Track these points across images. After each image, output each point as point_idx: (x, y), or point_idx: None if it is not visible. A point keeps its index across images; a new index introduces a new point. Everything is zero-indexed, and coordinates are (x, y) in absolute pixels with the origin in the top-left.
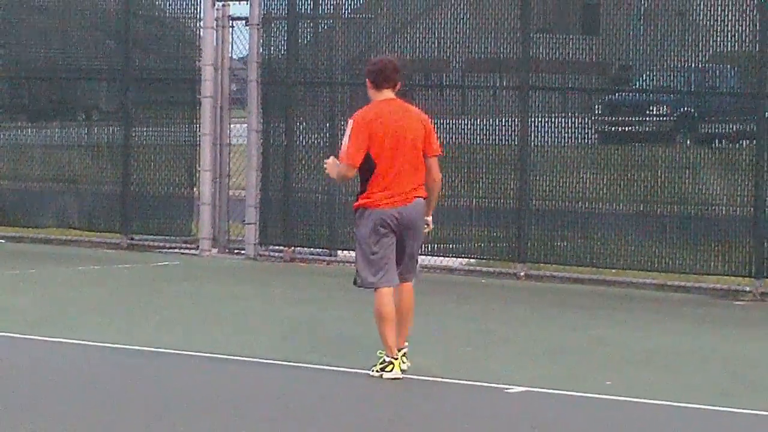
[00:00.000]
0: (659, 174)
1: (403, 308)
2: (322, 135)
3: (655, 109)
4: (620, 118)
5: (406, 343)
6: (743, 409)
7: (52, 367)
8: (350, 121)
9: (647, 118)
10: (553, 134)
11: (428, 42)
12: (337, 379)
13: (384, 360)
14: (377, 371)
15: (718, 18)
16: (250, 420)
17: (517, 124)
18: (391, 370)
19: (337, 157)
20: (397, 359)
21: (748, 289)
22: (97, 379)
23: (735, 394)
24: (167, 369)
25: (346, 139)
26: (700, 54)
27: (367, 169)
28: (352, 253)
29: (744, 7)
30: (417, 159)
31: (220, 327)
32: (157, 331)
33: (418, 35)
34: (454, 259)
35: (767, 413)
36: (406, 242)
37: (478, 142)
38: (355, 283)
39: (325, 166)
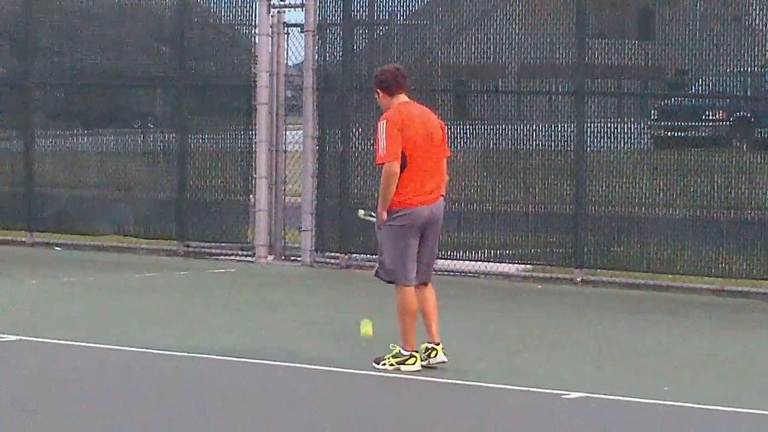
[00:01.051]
0: (715, 179)
1: (431, 306)
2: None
3: (711, 114)
4: (676, 123)
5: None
6: None
7: (111, 373)
8: (382, 122)
9: (703, 123)
10: (608, 139)
11: (483, 47)
12: (393, 385)
13: (402, 353)
14: (393, 364)
15: None
16: (308, 425)
17: (573, 130)
18: (413, 363)
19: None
20: (418, 352)
21: None
22: (155, 386)
23: None
24: (226, 375)
25: (382, 139)
26: (756, 59)
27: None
28: None
29: None
30: (441, 158)
31: (277, 334)
32: (214, 338)
33: (473, 41)
34: (511, 265)
35: None
36: (429, 239)
37: (534, 147)
38: (378, 275)
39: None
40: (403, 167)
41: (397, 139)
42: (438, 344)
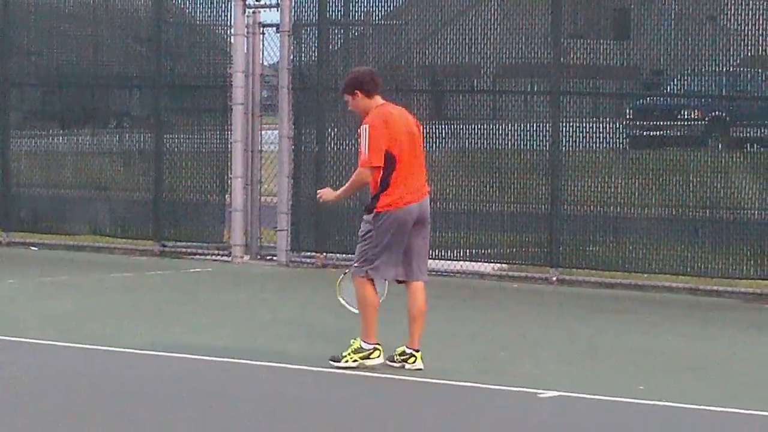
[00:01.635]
0: (691, 178)
1: (418, 309)
2: (353, 141)
3: (686, 113)
4: (652, 123)
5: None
6: None
7: (85, 373)
8: (365, 127)
9: (679, 123)
10: (584, 139)
11: (459, 47)
12: (370, 385)
13: (363, 347)
14: (356, 360)
15: (750, 22)
16: (284, 426)
17: (549, 129)
18: (378, 357)
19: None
20: (380, 345)
21: None
22: (131, 385)
23: None
24: (200, 375)
25: (365, 143)
26: (731, 58)
27: (386, 168)
28: None
29: None
30: (422, 156)
31: (252, 333)
32: (190, 338)
33: (449, 41)
34: (486, 264)
35: None
36: (420, 235)
37: (510, 147)
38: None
39: (319, 197)
40: (392, 169)
41: (380, 145)
42: (417, 351)
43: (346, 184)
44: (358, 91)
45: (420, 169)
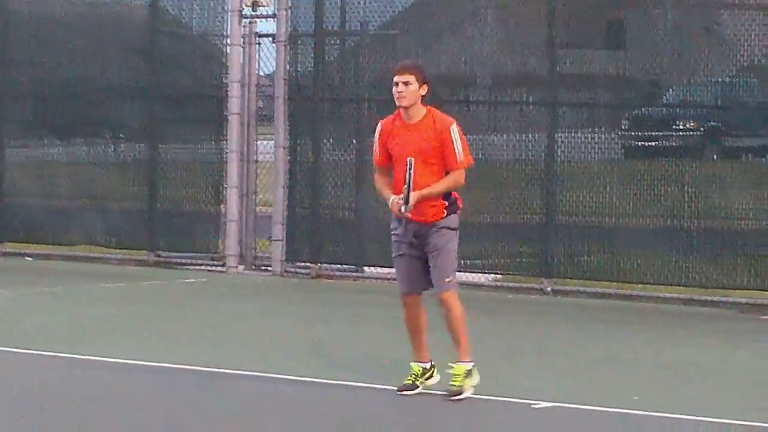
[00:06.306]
0: (686, 188)
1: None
2: (348, 151)
3: (682, 123)
4: (647, 133)
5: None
6: None
7: (79, 384)
8: (453, 126)
9: (674, 133)
10: (579, 149)
11: (455, 58)
12: (364, 396)
13: (467, 365)
14: (470, 386)
15: (745, 32)
16: None
17: (545, 140)
18: (475, 369)
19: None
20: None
21: None
22: (122, 397)
23: (766, 409)
24: (193, 386)
25: (458, 142)
26: (726, 68)
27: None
28: (379, 270)
29: None
30: None
31: (246, 344)
32: (183, 348)
33: (444, 51)
34: (481, 274)
35: None
36: None
37: (506, 157)
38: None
39: (392, 204)
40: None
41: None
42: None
43: (440, 185)
44: (426, 86)
45: None
